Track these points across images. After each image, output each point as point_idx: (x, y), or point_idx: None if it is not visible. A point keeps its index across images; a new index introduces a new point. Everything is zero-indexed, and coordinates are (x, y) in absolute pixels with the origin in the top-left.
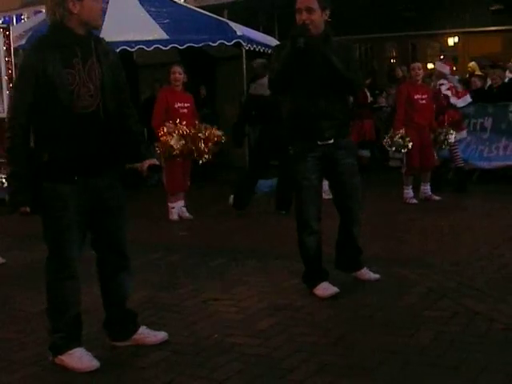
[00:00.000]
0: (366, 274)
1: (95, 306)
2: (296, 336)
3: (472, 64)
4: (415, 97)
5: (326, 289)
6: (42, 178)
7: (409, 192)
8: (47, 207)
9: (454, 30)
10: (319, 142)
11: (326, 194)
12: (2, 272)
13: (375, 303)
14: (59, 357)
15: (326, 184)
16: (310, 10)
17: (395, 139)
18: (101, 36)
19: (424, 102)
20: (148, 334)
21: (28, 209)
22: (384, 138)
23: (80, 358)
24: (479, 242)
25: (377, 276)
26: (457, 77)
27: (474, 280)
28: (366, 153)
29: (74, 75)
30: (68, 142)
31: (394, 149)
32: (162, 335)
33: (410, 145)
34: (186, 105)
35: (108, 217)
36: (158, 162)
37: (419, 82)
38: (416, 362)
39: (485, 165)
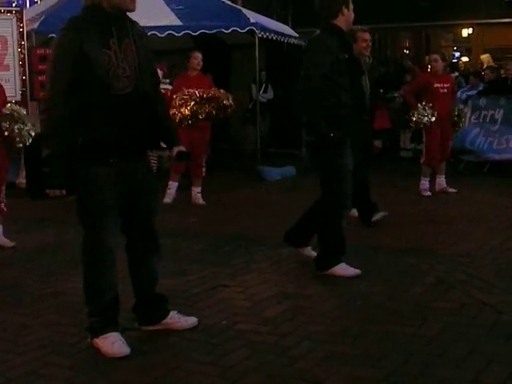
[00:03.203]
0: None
1: None
2: (304, 324)
3: (483, 56)
4: (435, 85)
5: (346, 268)
6: (78, 161)
7: (425, 183)
8: (83, 191)
9: (468, 21)
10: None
11: None
12: (11, 255)
13: (384, 293)
14: (95, 340)
15: None
16: None
17: (419, 111)
18: None
19: (445, 90)
20: (179, 319)
21: (64, 191)
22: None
23: (112, 344)
24: (490, 233)
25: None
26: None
27: (484, 272)
28: (377, 143)
29: (110, 55)
30: (104, 123)
31: (422, 121)
32: (192, 320)
33: (435, 114)
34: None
35: (141, 201)
36: (185, 149)
37: (439, 72)
38: (423, 353)
39: (494, 156)
